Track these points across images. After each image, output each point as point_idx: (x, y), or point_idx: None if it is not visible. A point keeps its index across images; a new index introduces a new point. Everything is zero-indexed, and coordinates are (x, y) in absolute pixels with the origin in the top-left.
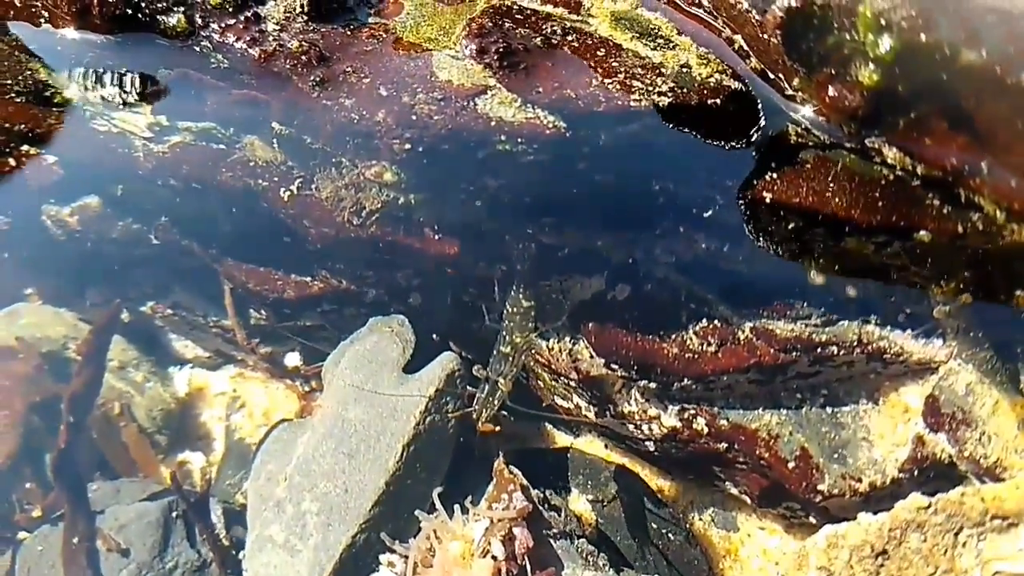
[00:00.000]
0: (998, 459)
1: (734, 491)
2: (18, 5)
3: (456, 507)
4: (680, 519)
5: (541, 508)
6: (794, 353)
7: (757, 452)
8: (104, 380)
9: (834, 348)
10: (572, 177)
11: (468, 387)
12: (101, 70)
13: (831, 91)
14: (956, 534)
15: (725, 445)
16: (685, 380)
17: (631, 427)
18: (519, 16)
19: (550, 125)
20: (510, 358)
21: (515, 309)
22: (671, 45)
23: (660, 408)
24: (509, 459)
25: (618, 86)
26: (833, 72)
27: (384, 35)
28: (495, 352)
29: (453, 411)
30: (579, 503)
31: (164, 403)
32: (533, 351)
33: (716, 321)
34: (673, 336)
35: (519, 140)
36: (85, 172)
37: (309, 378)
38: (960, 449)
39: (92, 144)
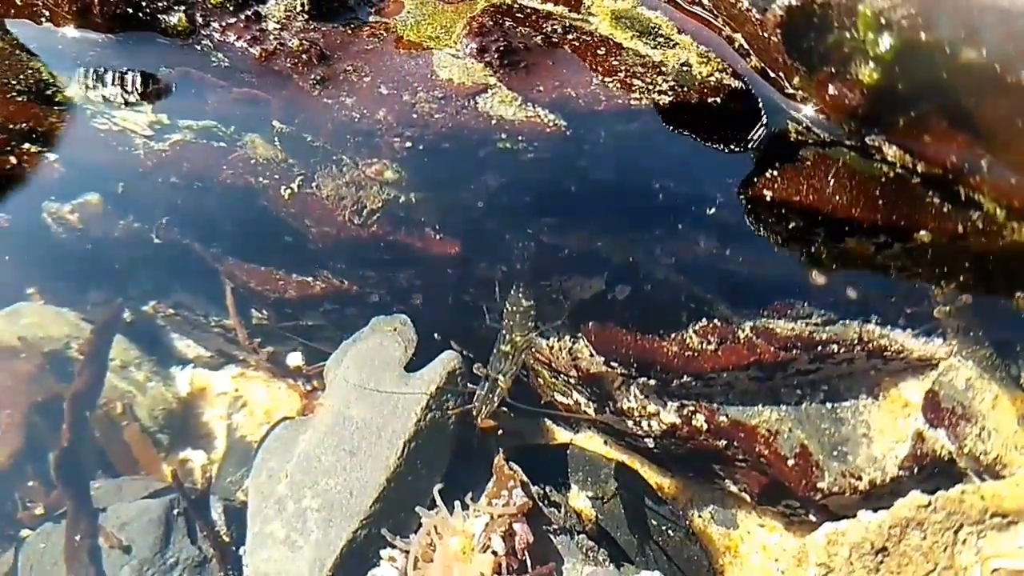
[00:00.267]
0: (998, 455)
1: (734, 489)
2: (19, 4)
3: (456, 503)
4: (680, 516)
5: (541, 504)
6: (794, 351)
7: (757, 449)
8: (106, 379)
9: (834, 346)
10: (572, 176)
11: (469, 385)
12: (102, 69)
13: (831, 89)
14: (956, 532)
15: (725, 442)
16: (685, 377)
17: (630, 423)
18: (519, 15)
19: (551, 124)
20: (510, 357)
21: (515, 308)
22: (671, 44)
23: (659, 404)
24: (509, 455)
25: (618, 85)
26: (833, 70)
27: (385, 34)
28: (495, 351)
29: (454, 408)
30: (579, 499)
31: (166, 402)
32: (533, 350)
33: (716, 320)
34: (673, 335)
35: (520, 139)
36: (86, 170)
37: (311, 378)
38: (960, 445)
39: (93, 142)
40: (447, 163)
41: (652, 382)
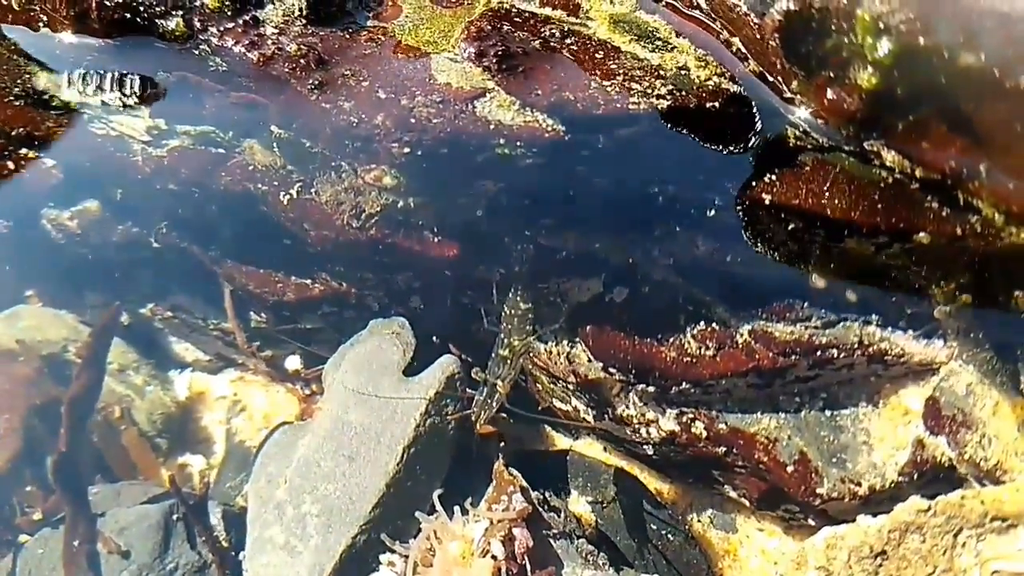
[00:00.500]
0: (998, 462)
1: (733, 494)
2: (16, 9)
3: (456, 508)
4: (679, 520)
5: (541, 509)
6: (793, 357)
7: (756, 456)
8: (104, 383)
9: (834, 351)
10: (571, 180)
11: (467, 390)
12: (100, 74)
13: (830, 94)
14: (955, 535)
15: (724, 449)
16: (683, 384)
17: (629, 431)
18: (517, 19)
19: (549, 128)
20: (509, 361)
21: (513, 312)
22: (669, 47)
23: (658, 412)
24: (509, 461)
25: (617, 88)
26: (832, 75)
27: (383, 38)
28: (494, 355)
29: (453, 413)
30: (579, 505)
31: (164, 406)
32: (531, 354)
33: (714, 324)
34: (671, 340)
35: (518, 143)
36: (84, 176)
37: (309, 381)
38: (960, 452)
39: (91, 148)
40: (445, 168)
41: (651, 389)
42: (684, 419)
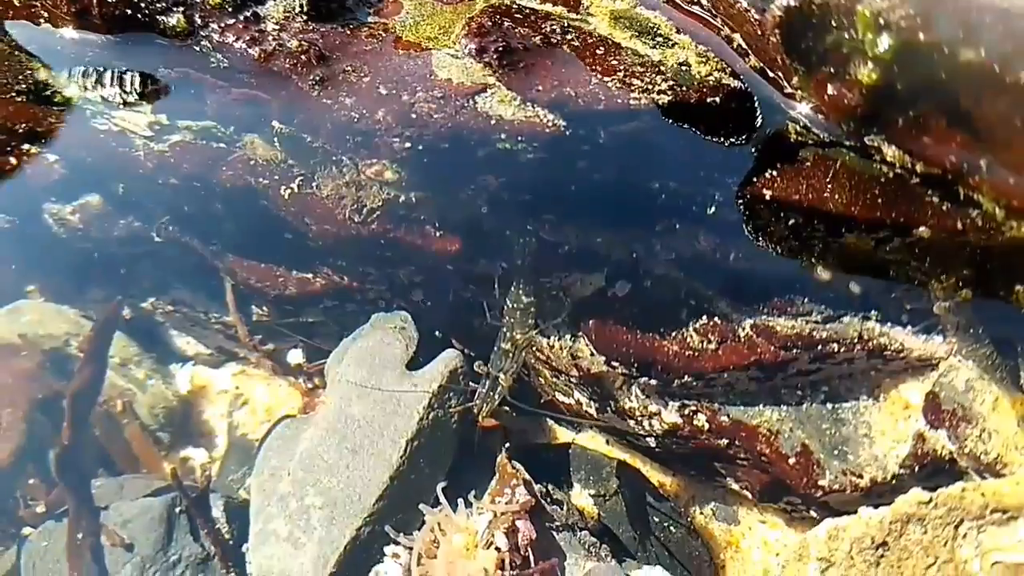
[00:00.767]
0: (998, 455)
1: (735, 486)
2: (17, 5)
3: (460, 501)
4: (681, 513)
5: (544, 502)
6: (794, 350)
7: (758, 448)
8: (106, 377)
9: (834, 345)
10: (572, 175)
11: (470, 383)
12: (101, 69)
13: (830, 89)
14: (956, 527)
15: (726, 441)
16: (685, 377)
17: (632, 423)
18: (518, 15)
19: (550, 123)
20: (511, 355)
21: (516, 306)
22: (670, 43)
23: (661, 404)
24: (512, 454)
25: (617, 84)
26: (832, 71)
27: (384, 34)
28: (496, 349)
29: (455, 407)
30: (581, 497)
31: (166, 400)
32: (534, 348)
33: (716, 318)
34: (673, 333)
35: (519, 138)
36: (86, 171)
37: (312, 375)
38: (960, 446)
39: (93, 143)
40: (447, 163)
41: (653, 382)
42: (686, 412)
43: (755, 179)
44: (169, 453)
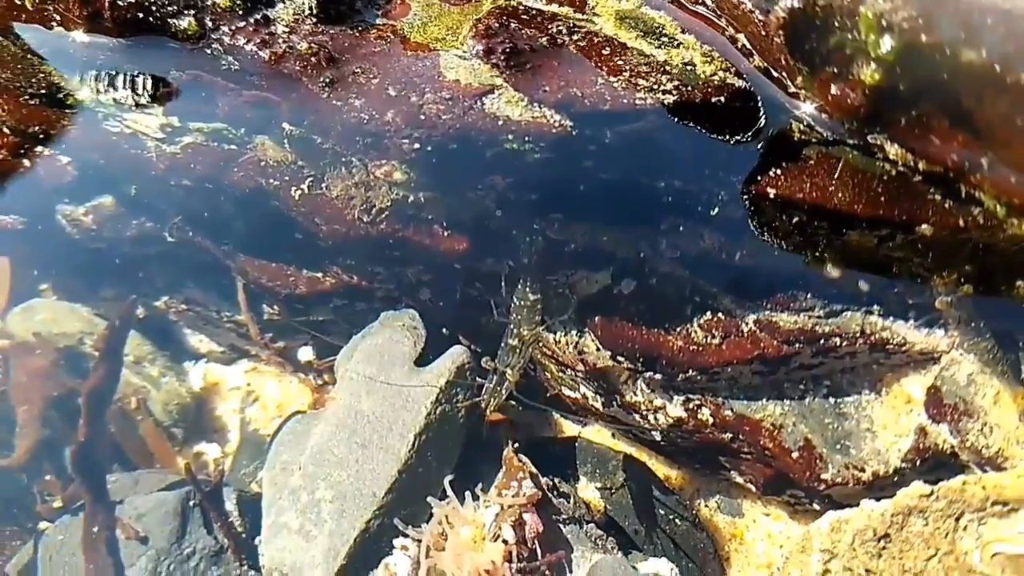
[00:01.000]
0: (999, 449)
1: (739, 479)
2: (30, 9)
3: (467, 494)
4: (686, 505)
5: (550, 495)
6: (797, 345)
7: (761, 442)
8: (121, 375)
9: (837, 340)
10: (578, 175)
11: (477, 379)
12: (113, 72)
13: (834, 90)
14: (957, 519)
15: (730, 435)
16: (690, 371)
17: (637, 417)
18: (525, 16)
19: (556, 124)
20: (518, 351)
21: (522, 303)
22: (675, 43)
23: (666, 399)
24: (518, 448)
25: (623, 84)
26: (836, 71)
27: (392, 36)
28: (503, 345)
29: (463, 402)
30: (588, 490)
31: (180, 397)
32: (540, 344)
33: (720, 314)
34: (678, 329)
35: (526, 139)
36: (99, 172)
37: (322, 372)
38: (962, 440)
39: (105, 145)
40: (455, 164)
41: (658, 376)
42: (691, 406)
43: (759, 177)
44: (183, 448)
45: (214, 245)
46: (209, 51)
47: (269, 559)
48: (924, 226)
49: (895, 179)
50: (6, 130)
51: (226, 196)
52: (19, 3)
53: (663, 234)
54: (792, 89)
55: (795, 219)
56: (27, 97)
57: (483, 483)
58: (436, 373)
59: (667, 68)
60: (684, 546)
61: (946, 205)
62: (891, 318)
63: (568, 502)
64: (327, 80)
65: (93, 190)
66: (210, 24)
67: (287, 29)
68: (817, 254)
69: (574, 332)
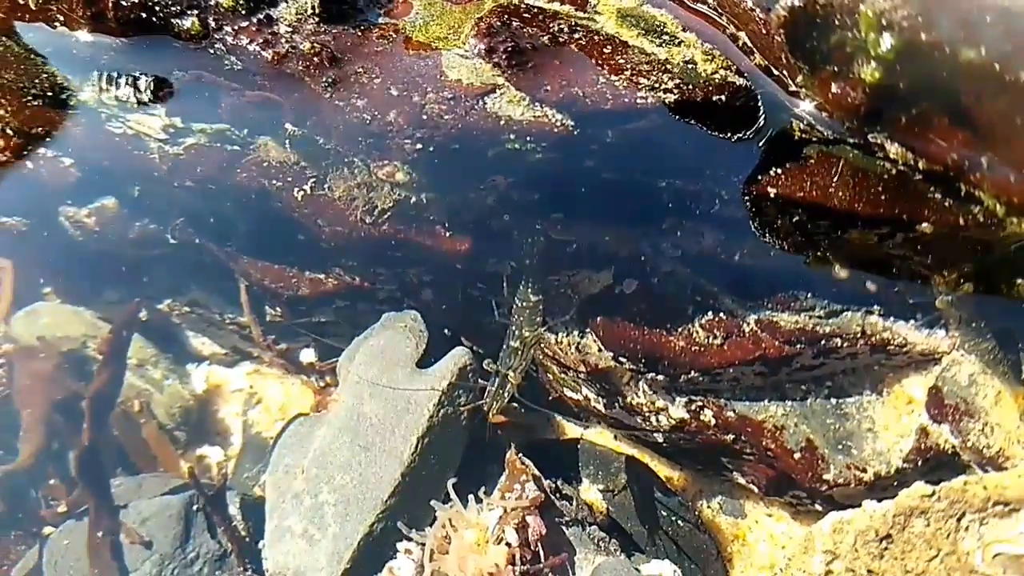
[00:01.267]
0: (1000, 449)
1: (742, 480)
2: (33, 8)
3: (470, 497)
4: (689, 507)
5: (553, 497)
6: (799, 345)
7: (763, 443)
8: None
9: (838, 340)
10: (580, 174)
11: (480, 380)
12: (116, 73)
13: (834, 88)
14: (959, 519)
15: (732, 436)
16: (692, 372)
17: (639, 419)
18: (526, 15)
19: (558, 123)
20: (519, 352)
21: (524, 304)
22: (676, 42)
23: (668, 400)
24: (521, 450)
25: (625, 83)
26: (836, 69)
27: (394, 35)
28: (505, 346)
29: (465, 404)
30: (590, 492)
31: (183, 400)
32: (542, 345)
33: (722, 314)
34: (680, 329)
35: (528, 138)
36: (102, 174)
37: (324, 373)
38: (963, 440)
39: (108, 146)
40: (457, 164)
41: (660, 377)
42: (693, 407)
43: (760, 177)
44: (186, 452)
45: (217, 247)
46: (212, 51)
47: (273, 563)
48: (924, 225)
49: (895, 178)
50: (9, 131)
51: (229, 197)
52: (22, 3)
53: (664, 234)
54: (793, 88)
55: (795, 218)
56: (30, 98)
57: (486, 486)
58: (439, 375)
59: (668, 67)
60: (686, 547)
61: (946, 204)
62: (892, 319)
63: (571, 504)
64: (329, 80)
65: (96, 192)
66: (213, 24)
67: (290, 29)
68: (818, 253)
69: (576, 333)
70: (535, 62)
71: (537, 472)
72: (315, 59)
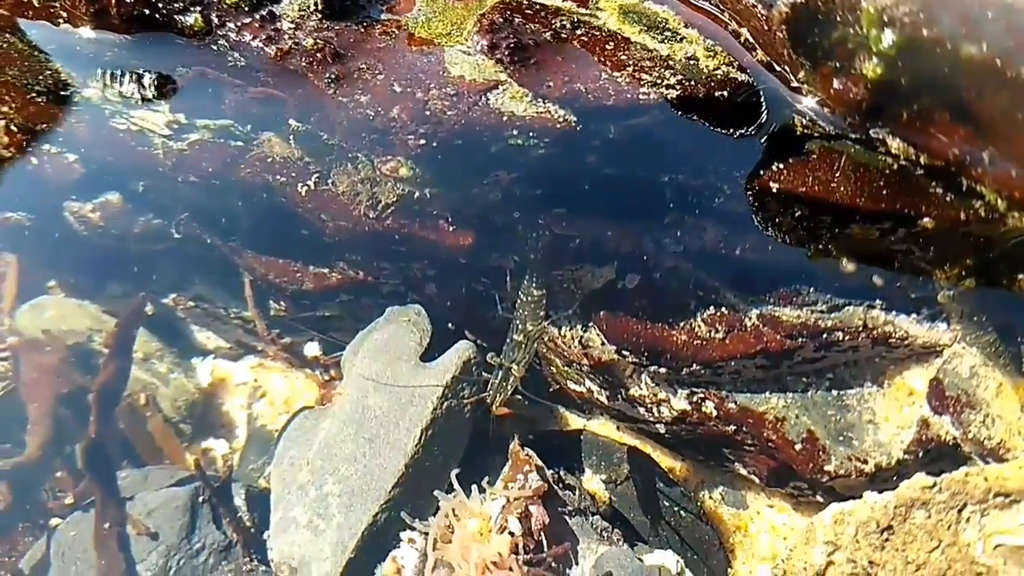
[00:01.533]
0: (1001, 440)
1: (743, 471)
2: (37, 6)
3: (473, 487)
4: (691, 497)
5: (556, 487)
6: (800, 339)
7: (765, 434)
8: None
9: (839, 334)
10: (582, 170)
11: (483, 373)
12: (119, 69)
13: (836, 84)
14: (959, 511)
15: (734, 427)
16: (694, 365)
17: (642, 410)
18: (529, 11)
19: (560, 119)
20: (523, 346)
21: (527, 298)
22: (678, 38)
23: (670, 392)
24: (524, 441)
25: (627, 79)
26: (838, 65)
27: (397, 31)
28: (509, 340)
29: (469, 396)
30: (593, 483)
31: (188, 393)
32: (545, 339)
33: (724, 308)
34: (682, 323)
35: (530, 134)
36: (106, 169)
37: (328, 367)
38: (964, 431)
39: (112, 142)
40: (460, 159)
41: (662, 370)
42: (695, 399)
43: (762, 172)
44: (191, 444)
45: (221, 242)
46: (215, 47)
47: (278, 553)
48: (926, 219)
49: (897, 173)
50: (13, 127)
51: (233, 193)
52: (26, 0)
53: (667, 228)
54: (794, 83)
55: (797, 213)
56: (34, 95)
57: (489, 476)
58: (442, 369)
59: (670, 63)
60: (689, 538)
61: (947, 199)
62: (893, 312)
63: (574, 494)
64: (333, 76)
65: (100, 187)
66: (216, 20)
67: (293, 25)
68: (820, 248)
69: (579, 326)
70: (537, 58)
71: (540, 462)
72: (318, 55)
